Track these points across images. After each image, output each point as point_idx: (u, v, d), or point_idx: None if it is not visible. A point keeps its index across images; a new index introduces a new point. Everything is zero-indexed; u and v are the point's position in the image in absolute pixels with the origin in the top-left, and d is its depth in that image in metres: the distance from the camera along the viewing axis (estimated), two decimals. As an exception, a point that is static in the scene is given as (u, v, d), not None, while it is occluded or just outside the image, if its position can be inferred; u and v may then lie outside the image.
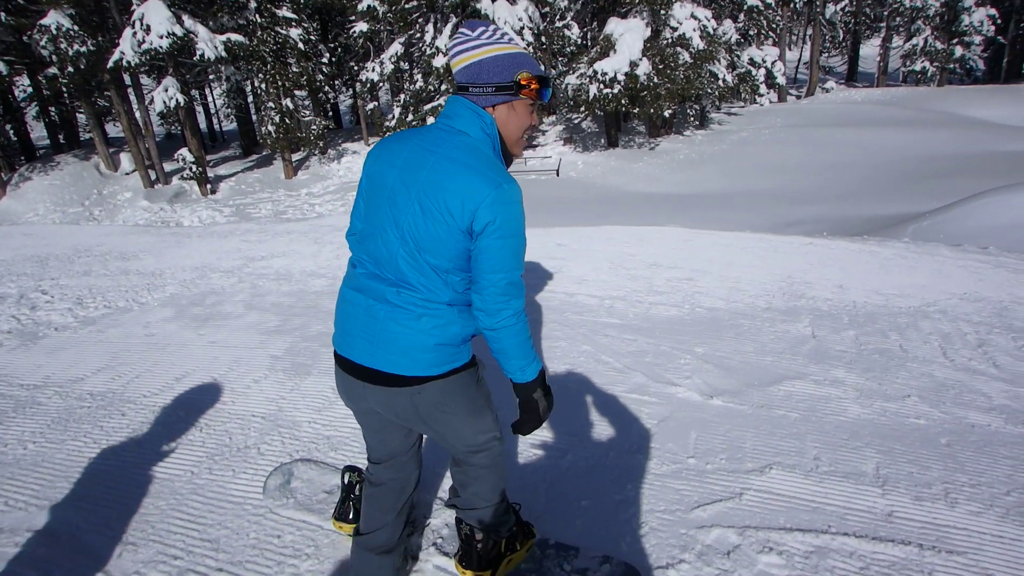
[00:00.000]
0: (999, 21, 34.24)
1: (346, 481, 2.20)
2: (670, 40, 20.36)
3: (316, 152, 26.66)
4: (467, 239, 1.55)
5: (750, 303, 4.47)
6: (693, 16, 21.44)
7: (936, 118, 20.85)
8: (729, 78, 21.47)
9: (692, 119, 23.91)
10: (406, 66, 27.03)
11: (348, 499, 2.19)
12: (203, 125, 36.46)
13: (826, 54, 43.02)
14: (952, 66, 34.22)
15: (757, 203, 12.57)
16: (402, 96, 25.26)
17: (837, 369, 3.61)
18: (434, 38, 23.81)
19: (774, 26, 26.54)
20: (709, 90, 21.20)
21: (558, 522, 2.42)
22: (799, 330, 4.07)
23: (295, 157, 26.73)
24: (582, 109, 20.65)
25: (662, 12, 20.72)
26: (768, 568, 2.23)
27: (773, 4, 25.75)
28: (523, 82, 1.60)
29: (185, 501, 2.53)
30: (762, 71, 23.60)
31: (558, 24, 24.24)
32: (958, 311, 4.44)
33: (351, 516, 2.18)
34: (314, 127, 24.73)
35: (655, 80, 19.35)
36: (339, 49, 30.94)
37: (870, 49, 43.32)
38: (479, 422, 1.80)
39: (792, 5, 29.48)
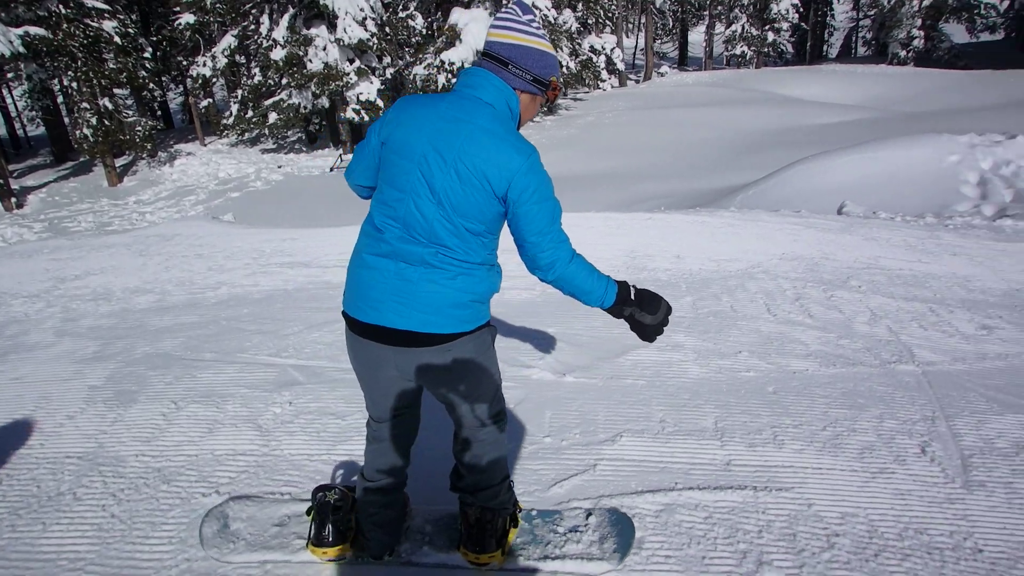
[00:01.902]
0: (801, 9, 38.29)
1: (321, 502, 1.98)
2: (513, 29, 20.79)
3: (144, 155, 24.31)
4: (501, 205, 1.66)
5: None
6: (535, 6, 21.96)
7: (757, 97, 22.91)
8: (572, 65, 22.33)
9: (541, 105, 24.77)
10: (242, 60, 25.39)
11: (326, 521, 1.97)
12: (2, 131, 32.13)
13: (659, 41, 45.92)
14: (766, 50, 37.78)
15: (606, 183, 13.18)
16: (239, 92, 23.70)
17: (678, 334, 3.83)
18: (271, 30, 22.52)
19: (610, 15, 27.86)
20: (554, 77, 21.95)
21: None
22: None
23: (119, 162, 24.20)
24: (432, 99, 20.46)
25: (504, 1, 21.04)
26: (622, 533, 2.30)
27: (608, -7, 27.11)
28: (552, 84, 1.77)
29: (-21, 567, 2.17)
30: (602, 58, 24.75)
31: (402, 14, 23.84)
32: (778, 270, 4.89)
33: (331, 538, 1.98)
34: (139, 128, 22.51)
35: (501, 68, 19.69)
36: (164, 43, 28.41)
37: (697, 35, 46.75)
38: (496, 382, 1.91)
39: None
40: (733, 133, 17.77)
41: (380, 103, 21.70)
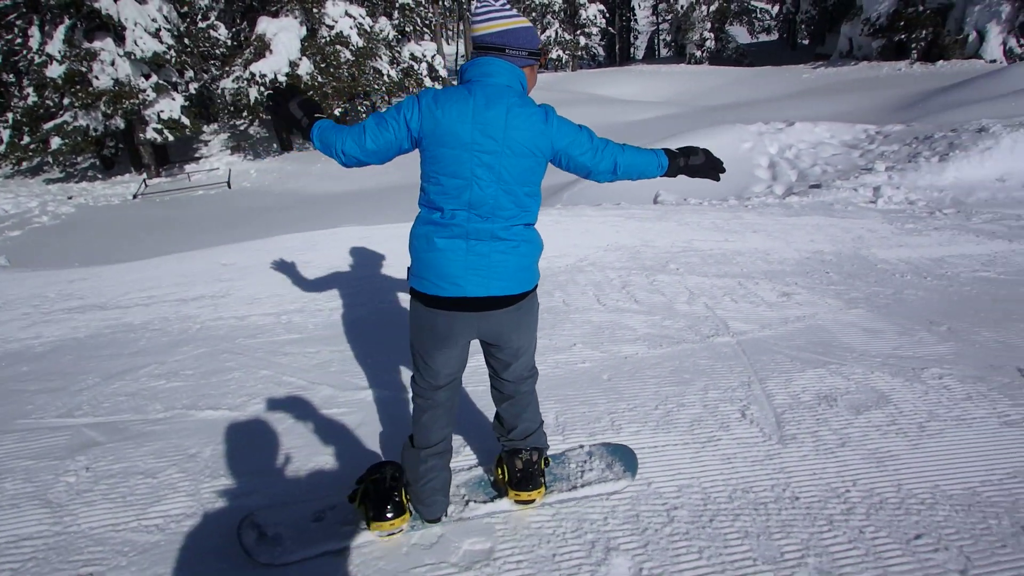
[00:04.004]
0: (607, 15, 41.03)
1: (378, 480, 2.14)
2: (328, 38, 20.07)
3: None
4: (548, 161, 2.00)
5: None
6: (348, 14, 21.40)
7: (578, 97, 24.13)
8: (393, 73, 22.06)
9: (365, 115, 24.11)
10: (11, 78, 22.17)
11: (386, 497, 2.13)
12: None
13: (478, 47, 46.94)
14: (580, 53, 40.03)
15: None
16: (9, 115, 20.65)
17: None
18: (43, 44, 19.86)
19: (428, 22, 27.96)
20: (376, 86, 21.50)
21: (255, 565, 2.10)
22: (477, 305, 4.27)
23: None
24: (245, 114, 19.26)
25: (315, 10, 20.26)
26: (472, 547, 2.22)
27: (424, 1, 27.07)
28: (542, 50, 2.02)
29: None
30: (424, 65, 24.74)
31: (202, 24, 22.12)
32: (605, 261, 5.10)
33: (393, 512, 2.13)
34: None
35: (319, 79, 18.92)
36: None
37: (513, 41, 48.37)
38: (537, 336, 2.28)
39: (440, 2, 31.36)
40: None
41: (185, 121, 19.94)
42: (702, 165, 2.26)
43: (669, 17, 40.30)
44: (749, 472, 2.64)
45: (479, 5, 1.94)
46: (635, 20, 49.37)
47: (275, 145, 22.21)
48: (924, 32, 23.78)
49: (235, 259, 5.47)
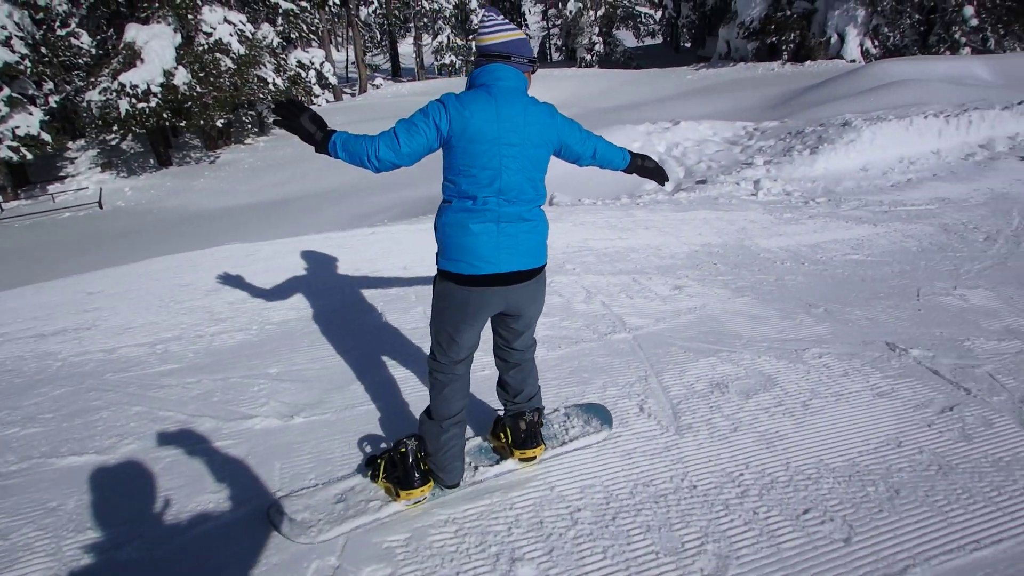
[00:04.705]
0: (496, 20, 41.35)
1: (402, 453, 2.33)
2: (206, 46, 19.03)
3: None
4: (553, 149, 2.34)
5: (323, 305, 4.35)
6: (227, 20, 20.38)
7: (468, 103, 24.18)
8: (279, 81, 21.18)
9: (250, 126, 22.97)
10: None
11: (412, 467, 2.33)
12: None
13: (370, 53, 46.10)
14: (473, 58, 40.20)
15: (337, 199, 12.72)
16: None
17: (412, 346, 3.73)
18: None
19: (314, 29, 27.11)
20: (261, 95, 20.59)
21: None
22: (373, 319, 4.11)
23: None
24: (115, 128, 17.85)
25: (190, 16, 19.14)
26: (372, 575, 2.12)
27: (309, 7, 26.20)
28: (534, 59, 2.28)
29: None
30: (312, 72, 23.96)
31: (61, 32, 20.39)
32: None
33: (419, 481, 2.34)
34: None
35: (199, 89, 17.87)
36: None
37: (407, 47, 47.90)
38: None
39: (328, 8, 30.50)
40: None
41: (46, 136, 18.27)
42: (654, 169, 2.72)
43: (559, 22, 41.23)
44: (649, 465, 2.67)
45: (486, 19, 2.25)
46: (526, 25, 50.20)
47: (152, 160, 20.73)
48: (792, 35, 25.59)
49: (102, 286, 5.00)
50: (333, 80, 26.37)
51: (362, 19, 37.53)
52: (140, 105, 16.62)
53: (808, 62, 24.73)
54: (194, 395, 3.29)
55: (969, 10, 22.71)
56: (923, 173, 7.95)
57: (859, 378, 3.33)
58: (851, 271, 4.97)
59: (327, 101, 26.95)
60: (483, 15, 2.28)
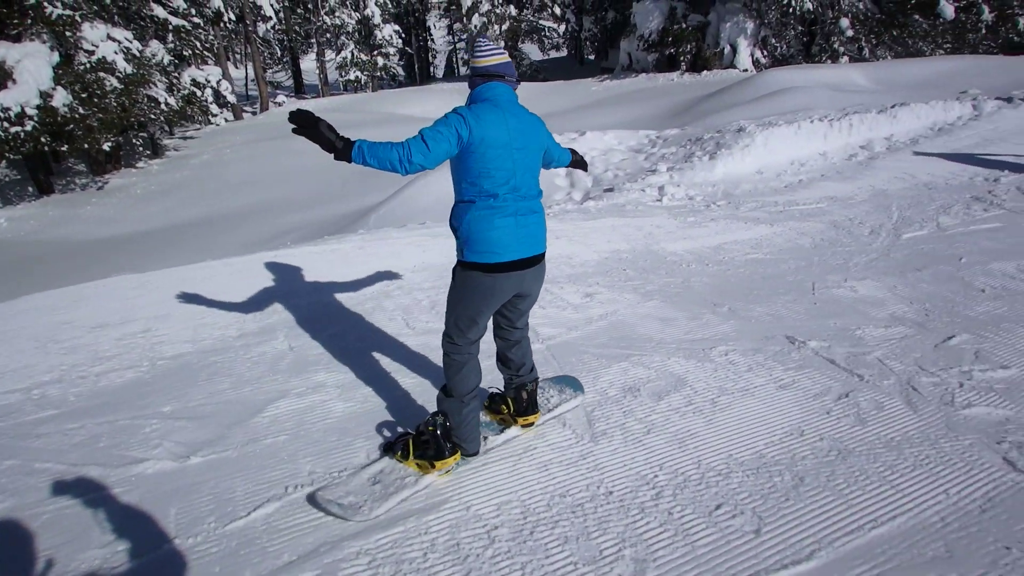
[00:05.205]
0: (403, 35, 41.15)
1: (434, 427, 2.58)
2: (88, 65, 17.82)
3: None
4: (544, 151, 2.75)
5: (221, 336, 4.09)
6: (111, 38, 19.17)
7: (378, 118, 23.81)
8: (173, 101, 20.11)
9: (142, 149, 21.62)
10: None
11: (443, 440, 2.58)
12: None
13: (271, 70, 44.74)
14: (379, 73, 39.68)
15: (237, 223, 12.16)
16: None
17: (318, 374, 3.57)
18: None
19: (208, 45, 25.98)
20: (152, 116, 19.47)
21: None
22: (276, 347, 3.91)
23: None
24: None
25: (68, 34, 17.87)
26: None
27: (202, 24, 25.09)
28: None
29: None
30: (208, 91, 22.91)
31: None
32: (413, 283, 4.97)
33: (450, 451, 2.61)
34: None
35: (81, 111, 16.68)
36: None
37: (309, 63, 46.79)
38: None
39: (223, 24, 29.32)
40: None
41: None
42: (581, 160, 3.21)
43: (464, 36, 41.50)
44: (565, 475, 2.66)
45: (481, 44, 2.57)
46: (432, 40, 50.18)
47: (31, 188, 19.12)
48: (689, 46, 26.79)
49: (-30, 329, 4.51)
50: (232, 98, 25.26)
51: (260, 35, 36.31)
52: (14, 129, 15.29)
53: (705, 72, 25.94)
54: (76, 442, 3.00)
55: (845, 22, 24.54)
56: (812, 174, 8.45)
57: (763, 372, 3.45)
58: (752, 270, 5.19)
59: (226, 120, 25.83)
60: (478, 41, 2.60)
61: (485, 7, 34.82)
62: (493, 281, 2.54)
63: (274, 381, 3.50)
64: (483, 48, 2.56)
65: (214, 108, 22.87)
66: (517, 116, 2.53)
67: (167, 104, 19.62)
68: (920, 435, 2.83)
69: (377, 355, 3.81)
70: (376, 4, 38.17)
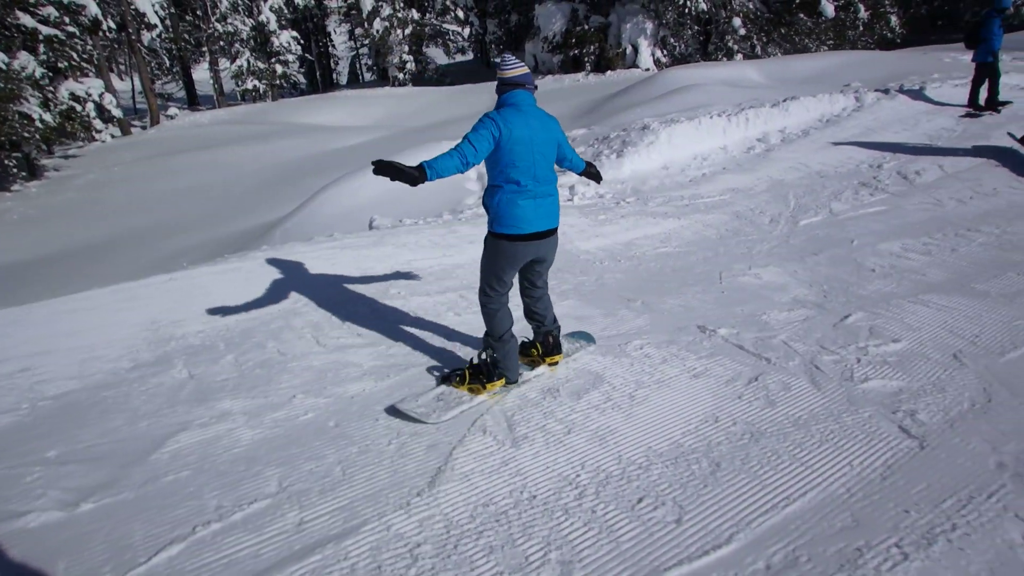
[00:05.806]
0: (302, 41, 39.88)
1: (487, 360, 3.31)
2: (-51, 80, 16.21)
3: None
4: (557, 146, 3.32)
5: (112, 369, 3.76)
6: (-25, 51, 17.53)
7: (280, 128, 22.92)
8: (49, 117, 18.56)
9: (16, 171, 19.81)
10: None
11: (492, 368, 3.31)
12: None
13: (160, 81, 42.29)
14: (279, 82, 38.29)
15: (128, 247, 11.33)
16: None
17: (222, 401, 3.35)
18: None
19: (87, 56, 24.19)
20: (26, 134, 17.91)
21: None
22: (174, 376, 3.65)
23: None
24: None
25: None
26: None
27: (78, 33, 23.32)
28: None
29: None
30: (90, 105, 21.34)
31: None
32: (323, 298, 4.76)
33: (497, 375, 3.31)
34: None
35: (-56, 131, 15.16)
36: None
37: (202, 73, 44.57)
38: None
39: (102, 33, 27.40)
40: (261, 167, 17.40)
41: None
42: (596, 173, 3.75)
43: (367, 42, 40.73)
44: (488, 484, 2.61)
45: (507, 59, 3.17)
46: (333, 46, 48.98)
47: None
48: (592, 47, 27.42)
49: None
50: (118, 112, 23.59)
51: (146, 44, 34.20)
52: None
53: (609, 72, 26.62)
54: (-57, 501, 2.69)
55: (738, 21, 25.83)
56: (715, 167, 8.80)
57: (677, 363, 3.54)
58: (662, 263, 5.33)
59: (112, 136, 24.12)
60: (504, 56, 3.20)
61: (387, 11, 34.39)
62: (516, 248, 3.17)
63: (174, 413, 3.25)
64: (508, 62, 3.17)
65: (98, 123, 21.37)
66: (537, 117, 3.12)
67: (42, 121, 18.13)
68: (825, 411, 2.97)
69: (285, 376, 3.63)
70: (271, 10, 36.84)
